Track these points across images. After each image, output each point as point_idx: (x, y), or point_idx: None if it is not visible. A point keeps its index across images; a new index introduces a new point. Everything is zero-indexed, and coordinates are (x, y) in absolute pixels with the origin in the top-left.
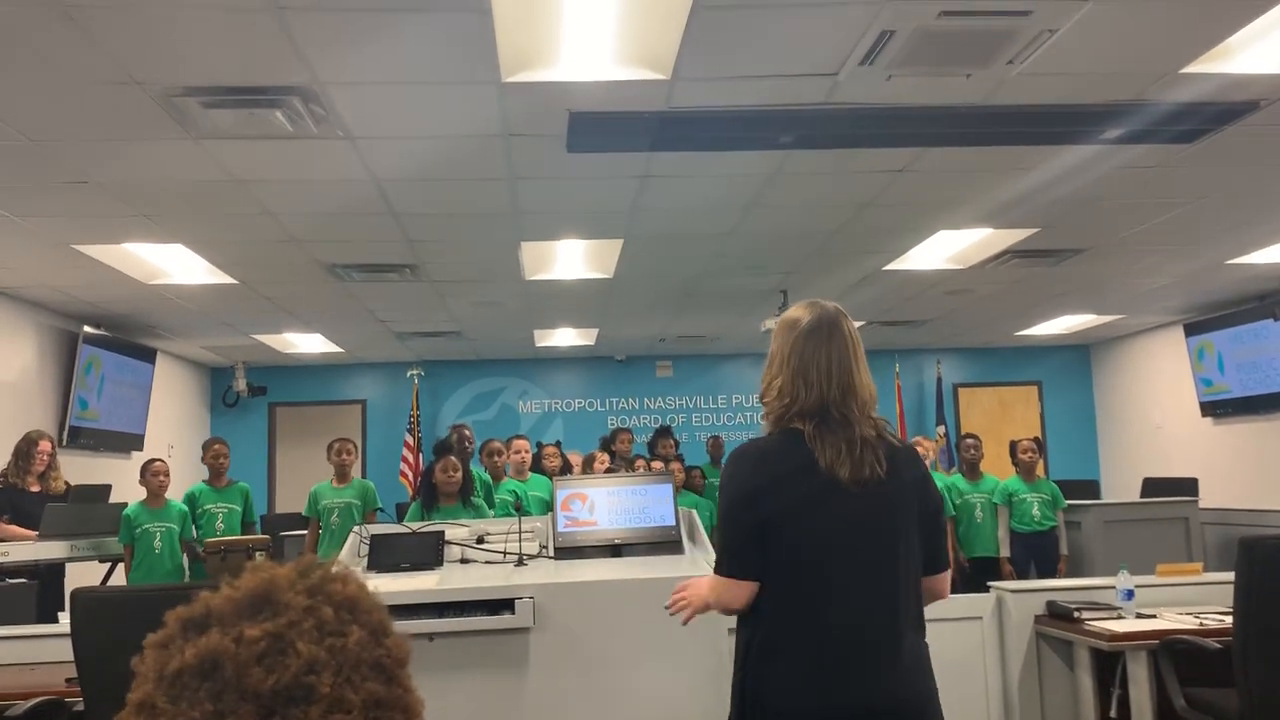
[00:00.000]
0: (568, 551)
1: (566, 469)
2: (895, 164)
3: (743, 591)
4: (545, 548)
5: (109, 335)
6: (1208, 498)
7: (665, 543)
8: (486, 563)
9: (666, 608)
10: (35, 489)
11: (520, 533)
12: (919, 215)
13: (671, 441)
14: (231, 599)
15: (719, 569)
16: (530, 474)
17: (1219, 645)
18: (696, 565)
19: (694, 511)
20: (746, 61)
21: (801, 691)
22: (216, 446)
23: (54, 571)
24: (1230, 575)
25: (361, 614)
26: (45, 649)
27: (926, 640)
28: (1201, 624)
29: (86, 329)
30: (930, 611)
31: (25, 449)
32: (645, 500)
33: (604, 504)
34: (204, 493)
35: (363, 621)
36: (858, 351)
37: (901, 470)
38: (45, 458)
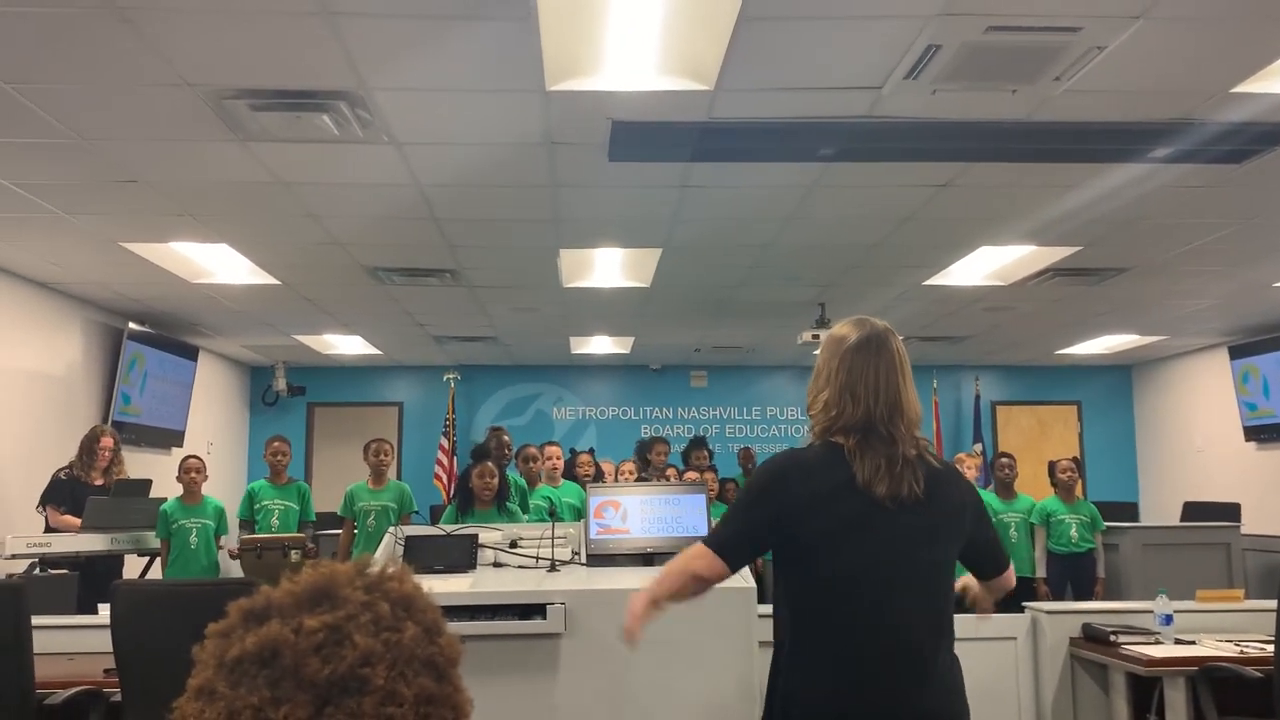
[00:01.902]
0: (600, 559)
1: (599, 477)
2: (938, 179)
3: (716, 569)
4: (577, 554)
5: (153, 332)
6: (1250, 524)
7: None
8: (519, 567)
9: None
10: (99, 482)
11: (553, 538)
12: (960, 231)
13: (705, 452)
14: (292, 592)
15: (710, 540)
16: (563, 480)
17: (1259, 674)
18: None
19: None
20: (790, 73)
21: (833, 703)
22: (276, 444)
23: (107, 563)
24: (1272, 603)
25: (416, 612)
26: (85, 639)
27: (958, 659)
28: (1242, 652)
29: (131, 325)
30: (964, 630)
31: (89, 445)
32: (678, 510)
33: (637, 512)
34: (263, 489)
35: (417, 619)
36: (905, 370)
37: (940, 491)
38: (107, 454)
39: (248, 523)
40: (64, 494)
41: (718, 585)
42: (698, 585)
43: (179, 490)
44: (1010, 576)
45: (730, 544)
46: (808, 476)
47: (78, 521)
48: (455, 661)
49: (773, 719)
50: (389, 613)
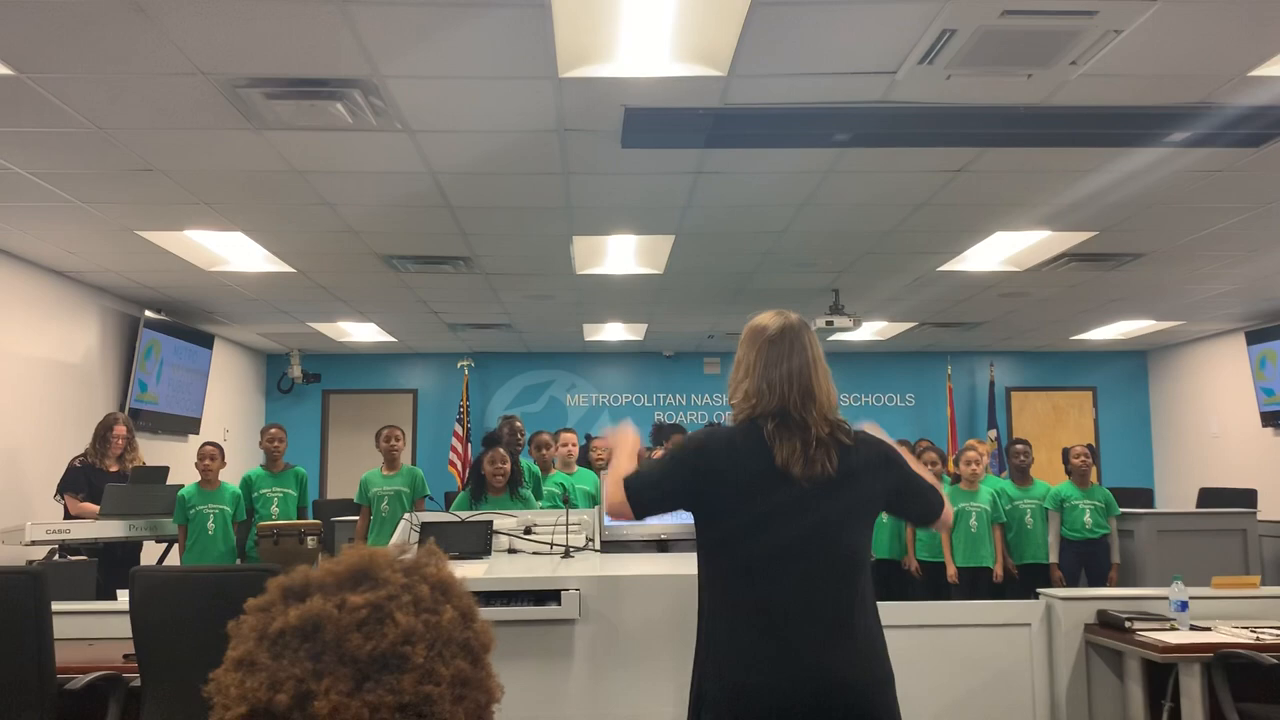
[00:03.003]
0: (614, 545)
1: None
2: (952, 164)
3: (624, 514)
4: (591, 541)
5: (169, 320)
6: (1267, 510)
7: None
8: (534, 554)
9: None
10: (114, 469)
11: (567, 525)
12: (975, 216)
13: None
14: (332, 572)
15: (630, 487)
16: (577, 468)
17: (1275, 661)
18: None
19: None
20: (804, 59)
21: (750, 668)
22: (273, 431)
23: (125, 549)
24: None
25: (453, 596)
26: (105, 625)
27: (880, 626)
28: (1258, 639)
29: (147, 313)
30: (978, 616)
31: (103, 432)
32: None
33: None
34: (260, 477)
35: (454, 603)
36: (818, 361)
37: (854, 463)
38: (121, 441)
39: (249, 510)
40: (80, 482)
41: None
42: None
43: (196, 477)
44: (947, 517)
45: (646, 496)
46: (732, 454)
47: (96, 509)
48: (488, 647)
49: (698, 695)
50: (428, 595)
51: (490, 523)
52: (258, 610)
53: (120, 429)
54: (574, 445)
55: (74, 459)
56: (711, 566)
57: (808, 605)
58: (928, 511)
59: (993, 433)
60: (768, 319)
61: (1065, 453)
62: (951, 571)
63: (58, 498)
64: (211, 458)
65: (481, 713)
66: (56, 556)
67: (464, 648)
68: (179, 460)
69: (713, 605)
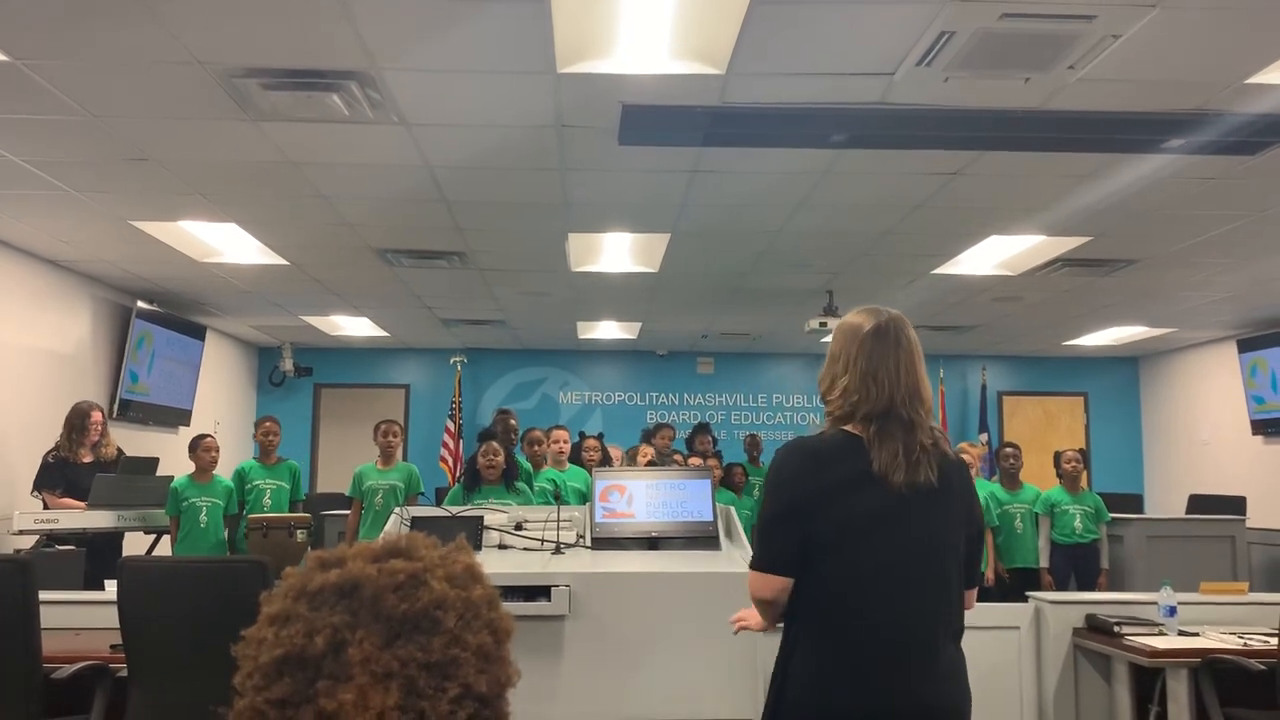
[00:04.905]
0: (604, 542)
1: (606, 462)
2: (949, 167)
3: (772, 584)
4: (582, 537)
5: (161, 311)
6: (1256, 517)
7: (702, 538)
8: (524, 549)
9: (731, 622)
10: (87, 460)
11: (558, 521)
12: (970, 220)
13: (709, 438)
14: (369, 549)
15: (754, 561)
16: (569, 465)
17: (1262, 667)
18: (733, 561)
19: (731, 509)
20: (802, 58)
21: (835, 692)
22: (267, 424)
23: (108, 540)
24: (1276, 596)
25: (482, 580)
26: (92, 615)
27: (963, 649)
28: (1245, 644)
29: (140, 304)
30: (968, 619)
31: (78, 421)
32: (684, 495)
33: (642, 497)
34: (253, 469)
35: (483, 585)
36: (921, 360)
37: (952, 482)
38: (98, 428)
39: (240, 503)
40: (58, 478)
41: (727, 570)
42: (772, 609)
43: (185, 469)
44: (969, 599)
45: (778, 557)
46: (823, 466)
47: (75, 504)
48: (509, 633)
49: (781, 710)
50: (461, 572)
51: (481, 518)
52: (296, 574)
53: (97, 415)
54: (566, 443)
55: (47, 453)
56: (802, 581)
57: (903, 626)
58: (971, 576)
59: (983, 436)
60: (864, 315)
61: (1057, 457)
62: None
63: (35, 494)
64: (216, 450)
65: (499, 690)
66: (44, 546)
67: (489, 626)
68: (169, 452)
69: (802, 622)
